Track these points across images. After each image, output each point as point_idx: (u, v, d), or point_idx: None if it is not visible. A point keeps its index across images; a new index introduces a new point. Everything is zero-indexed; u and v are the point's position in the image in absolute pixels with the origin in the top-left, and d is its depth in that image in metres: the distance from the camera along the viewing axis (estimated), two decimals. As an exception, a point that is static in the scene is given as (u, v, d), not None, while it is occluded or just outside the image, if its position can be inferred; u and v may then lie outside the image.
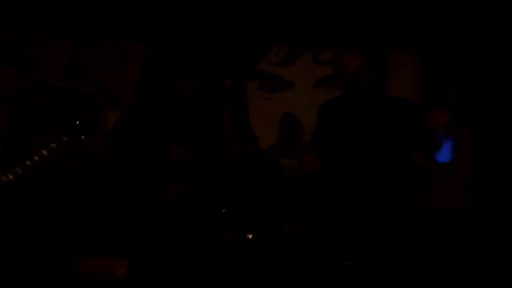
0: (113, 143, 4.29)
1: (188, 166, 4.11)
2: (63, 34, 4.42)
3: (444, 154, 2.37)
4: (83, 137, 2.77)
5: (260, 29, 4.60)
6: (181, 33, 4.39)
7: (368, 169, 2.47)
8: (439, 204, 4.07)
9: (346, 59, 2.49)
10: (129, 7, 4.32)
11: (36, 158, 2.66)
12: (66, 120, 2.88)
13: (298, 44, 4.71)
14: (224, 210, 3.95)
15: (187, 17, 4.37)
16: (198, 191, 4.03)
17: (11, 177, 2.65)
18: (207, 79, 4.66)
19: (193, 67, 4.53)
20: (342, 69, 2.50)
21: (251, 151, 4.50)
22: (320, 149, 2.62)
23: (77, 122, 2.76)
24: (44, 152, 2.68)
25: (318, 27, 4.55)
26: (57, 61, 4.41)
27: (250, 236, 3.84)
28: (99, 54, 4.54)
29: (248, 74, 4.80)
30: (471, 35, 4.16)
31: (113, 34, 4.54)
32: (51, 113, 3.47)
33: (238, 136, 4.61)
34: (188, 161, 4.11)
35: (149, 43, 4.56)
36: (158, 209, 3.92)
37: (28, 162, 2.65)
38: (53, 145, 2.70)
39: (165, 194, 4.02)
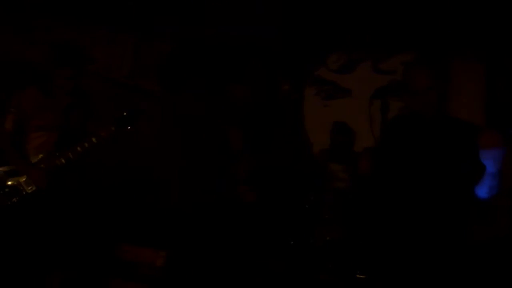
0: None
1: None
2: (128, 33, 4.78)
3: (486, 184, 2.34)
4: (129, 127, 3.06)
5: (320, 34, 4.72)
6: (238, 36, 4.60)
7: (425, 193, 2.48)
8: (498, 231, 4.00)
9: (417, 76, 2.50)
10: (189, 8, 4.59)
11: (86, 144, 2.97)
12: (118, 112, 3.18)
13: (358, 52, 4.79)
14: None
15: (246, 20, 4.57)
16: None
17: (63, 161, 2.99)
18: (263, 84, 4.85)
19: (247, 72, 4.74)
20: (411, 86, 2.51)
21: (301, 158, 4.63)
22: (382, 164, 2.64)
23: (124, 113, 3.06)
24: (94, 139, 2.99)
25: (380, 35, 4.60)
26: (122, 58, 4.77)
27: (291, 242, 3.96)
28: (161, 53, 4.87)
29: (306, 79, 4.94)
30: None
31: (175, 34, 4.84)
32: (109, 106, 3.79)
33: (288, 143, 4.75)
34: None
35: (207, 44, 4.80)
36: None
37: (79, 148, 2.98)
38: (103, 133, 3.00)
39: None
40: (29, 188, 3.04)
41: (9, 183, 3.03)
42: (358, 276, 2.57)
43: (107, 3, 4.48)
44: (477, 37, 4.24)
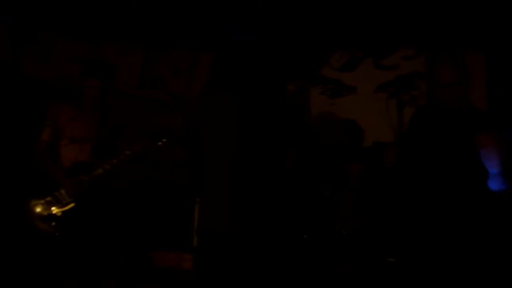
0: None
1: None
2: (136, 44, 5.00)
3: (495, 180, 2.56)
4: (160, 143, 3.33)
5: (323, 35, 4.98)
6: (245, 40, 4.83)
7: (452, 180, 2.69)
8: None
9: (443, 70, 2.70)
10: (195, 17, 4.82)
11: (121, 157, 3.22)
12: (144, 125, 3.42)
13: (360, 50, 5.06)
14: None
15: (251, 25, 4.80)
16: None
17: (101, 171, 3.23)
18: (270, 85, 5.08)
19: (257, 74, 4.96)
20: (438, 79, 2.70)
21: (309, 155, 4.86)
22: (410, 153, 2.85)
23: (156, 130, 3.34)
24: (128, 152, 3.24)
25: (380, 32, 4.87)
26: (131, 69, 4.98)
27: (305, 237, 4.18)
28: (169, 62, 5.10)
29: (310, 79, 5.20)
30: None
31: (182, 43, 5.07)
32: (130, 119, 4.01)
33: (297, 141, 4.98)
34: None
35: (215, 51, 5.03)
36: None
37: (115, 161, 3.22)
38: (136, 147, 3.26)
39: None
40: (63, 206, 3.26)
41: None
42: (388, 260, 2.82)
43: (114, 18, 4.71)
44: (478, 29, 4.49)
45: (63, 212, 3.25)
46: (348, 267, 3.94)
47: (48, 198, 3.24)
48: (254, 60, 4.98)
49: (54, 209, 3.23)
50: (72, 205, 3.25)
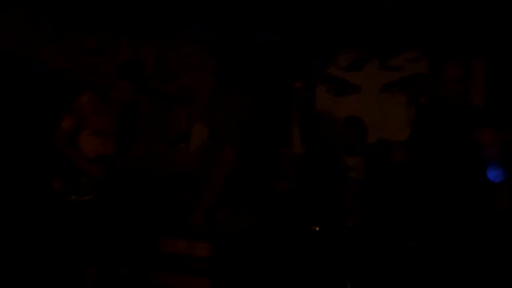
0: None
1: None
2: (148, 39, 5.21)
3: (493, 172, 2.80)
4: (182, 145, 3.54)
5: (331, 36, 5.21)
6: (255, 37, 5.04)
7: (454, 173, 2.89)
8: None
9: (449, 67, 2.92)
10: (206, 13, 5.03)
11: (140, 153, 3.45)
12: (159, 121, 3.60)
13: (366, 51, 5.28)
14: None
15: (262, 23, 5.02)
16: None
17: (121, 164, 3.45)
18: (279, 82, 5.32)
19: (267, 71, 5.19)
20: (445, 75, 2.91)
21: (318, 150, 5.10)
22: (416, 149, 3.07)
23: (177, 134, 3.55)
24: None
25: (385, 35, 5.10)
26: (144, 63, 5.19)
27: (317, 229, 4.42)
28: (180, 57, 5.31)
29: (317, 78, 5.42)
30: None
31: (193, 39, 5.29)
32: (146, 113, 4.23)
33: (305, 136, 5.22)
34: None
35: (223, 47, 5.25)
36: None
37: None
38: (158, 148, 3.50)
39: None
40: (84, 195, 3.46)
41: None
42: (408, 244, 3.05)
43: (129, 11, 4.91)
44: (480, 34, 4.72)
45: (81, 201, 3.43)
46: (352, 258, 4.17)
47: (68, 185, 3.42)
48: (264, 58, 5.25)
49: (73, 198, 3.41)
50: (90, 196, 3.43)
